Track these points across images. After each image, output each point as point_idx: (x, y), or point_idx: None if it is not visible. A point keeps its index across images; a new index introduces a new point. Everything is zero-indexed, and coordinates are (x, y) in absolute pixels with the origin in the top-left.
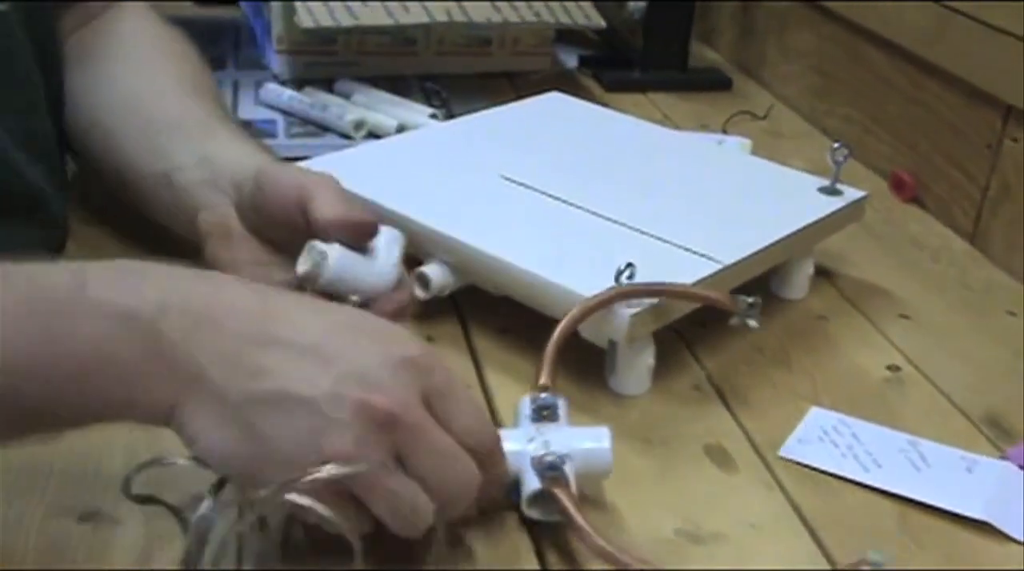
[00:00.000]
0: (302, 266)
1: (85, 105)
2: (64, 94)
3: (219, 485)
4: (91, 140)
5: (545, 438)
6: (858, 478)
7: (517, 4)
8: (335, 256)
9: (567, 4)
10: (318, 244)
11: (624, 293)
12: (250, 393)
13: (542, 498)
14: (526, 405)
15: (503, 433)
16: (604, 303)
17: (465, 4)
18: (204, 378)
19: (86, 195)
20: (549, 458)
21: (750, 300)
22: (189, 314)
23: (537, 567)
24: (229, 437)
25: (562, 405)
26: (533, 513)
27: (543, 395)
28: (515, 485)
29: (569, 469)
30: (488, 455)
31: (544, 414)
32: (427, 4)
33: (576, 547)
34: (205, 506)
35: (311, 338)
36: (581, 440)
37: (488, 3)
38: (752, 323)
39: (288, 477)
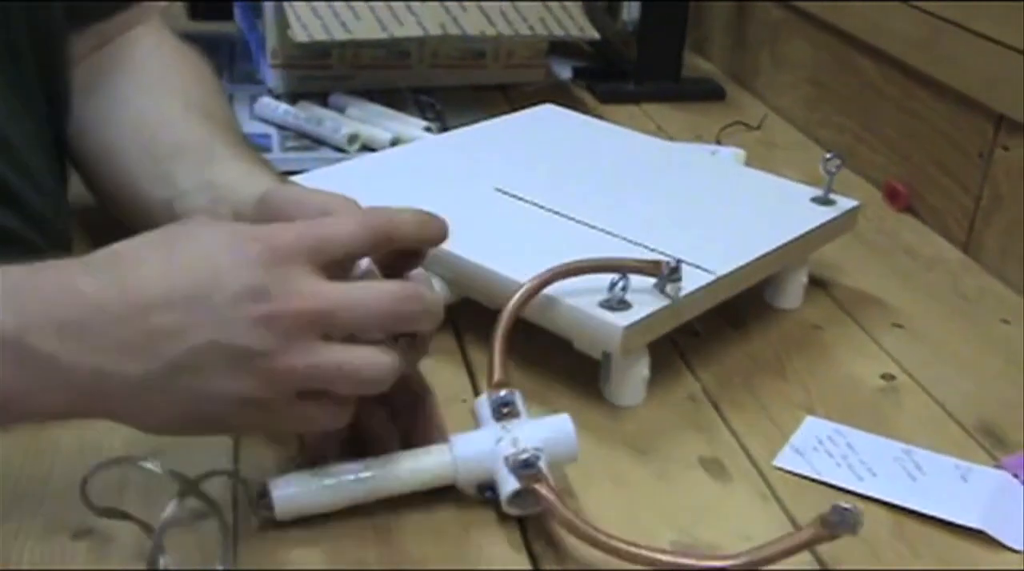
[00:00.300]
0: None
1: (93, 129)
2: (69, 121)
3: (184, 490)
4: (98, 165)
5: (512, 435)
6: (853, 487)
7: (511, 17)
8: None
9: (561, 16)
10: None
11: (560, 273)
12: (154, 367)
13: (522, 495)
14: (485, 405)
15: (469, 436)
16: (541, 286)
17: (459, 17)
18: (104, 376)
19: (88, 221)
20: (523, 456)
21: (673, 264)
22: (50, 325)
23: (529, 567)
24: (169, 412)
25: (519, 398)
26: (514, 510)
27: (501, 392)
28: (490, 485)
29: (543, 463)
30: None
31: (505, 411)
32: (421, 17)
33: (564, 540)
34: (169, 509)
35: (176, 287)
36: (546, 431)
37: (482, 16)
38: (672, 288)
39: (244, 421)
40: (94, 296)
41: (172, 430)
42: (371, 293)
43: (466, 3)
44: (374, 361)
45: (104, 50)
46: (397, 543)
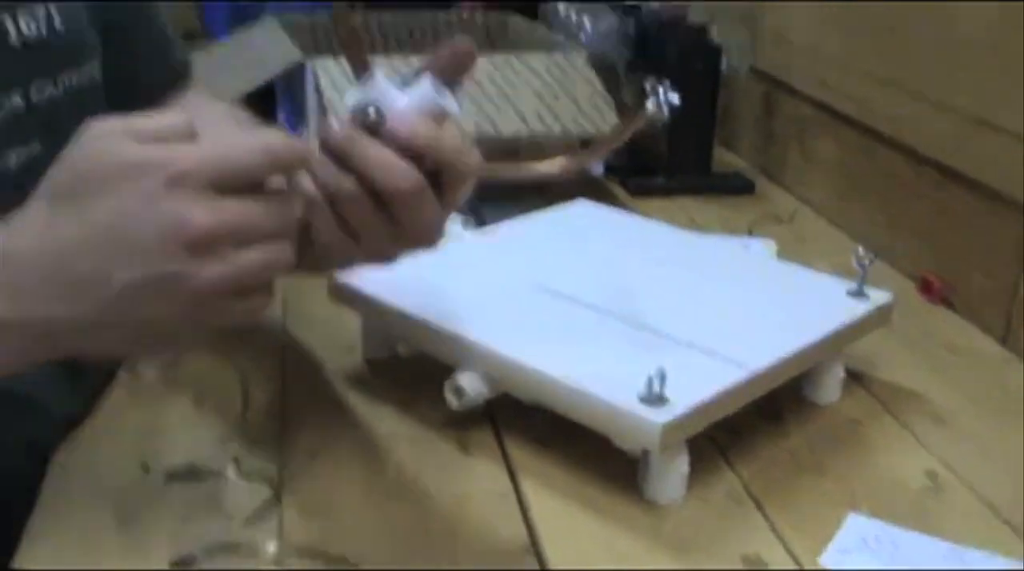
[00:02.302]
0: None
1: None
2: None
3: None
4: None
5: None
6: None
7: (544, 117)
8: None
9: (592, 115)
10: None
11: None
12: (101, 306)
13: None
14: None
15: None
16: None
17: (494, 118)
18: (55, 321)
19: None
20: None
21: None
22: None
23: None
24: (120, 341)
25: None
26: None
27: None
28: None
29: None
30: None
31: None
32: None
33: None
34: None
35: (92, 233)
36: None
37: (516, 116)
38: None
39: (191, 330)
40: (17, 256)
41: (124, 356)
42: (265, 205)
43: (500, 104)
44: (277, 257)
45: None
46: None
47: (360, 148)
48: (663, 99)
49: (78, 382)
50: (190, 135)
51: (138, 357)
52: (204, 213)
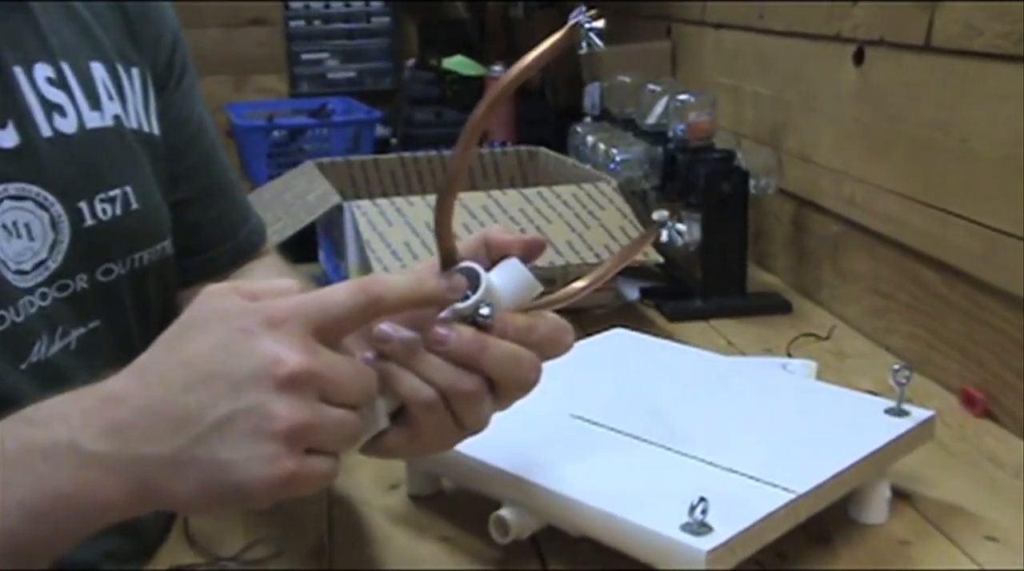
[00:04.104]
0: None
1: None
2: None
3: None
4: None
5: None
6: None
7: (577, 246)
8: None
9: (623, 242)
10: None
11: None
12: (181, 443)
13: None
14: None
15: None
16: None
17: None
18: (141, 461)
19: None
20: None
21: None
22: (95, 428)
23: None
24: (197, 484)
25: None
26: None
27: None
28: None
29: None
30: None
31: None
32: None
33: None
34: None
35: (192, 371)
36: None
37: (550, 247)
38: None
39: (266, 486)
40: (126, 396)
41: (201, 506)
42: (355, 367)
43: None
44: (354, 423)
45: None
46: None
47: (490, 350)
48: (671, 230)
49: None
50: (293, 292)
51: (209, 510)
52: (298, 353)
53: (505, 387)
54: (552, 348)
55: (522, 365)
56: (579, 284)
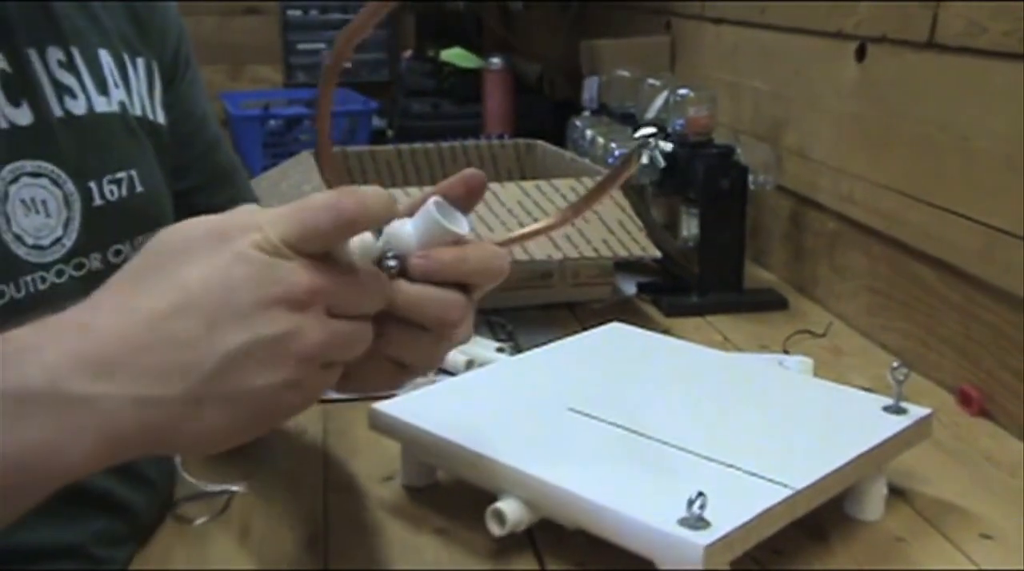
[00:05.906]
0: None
1: None
2: None
3: None
4: None
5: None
6: None
7: (576, 241)
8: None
9: (623, 237)
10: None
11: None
12: (193, 381)
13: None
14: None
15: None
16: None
17: (525, 242)
18: (146, 404)
19: None
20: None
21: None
22: (80, 367)
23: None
24: (218, 423)
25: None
26: None
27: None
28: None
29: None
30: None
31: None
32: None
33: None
34: None
35: (187, 293)
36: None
37: (548, 241)
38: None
39: (287, 407)
40: (112, 330)
41: (221, 442)
42: (359, 278)
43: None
44: (364, 334)
45: None
46: None
47: (400, 295)
48: (654, 150)
49: (125, 525)
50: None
51: (235, 443)
52: (304, 272)
53: (435, 327)
54: (486, 276)
55: (435, 304)
56: (553, 219)
